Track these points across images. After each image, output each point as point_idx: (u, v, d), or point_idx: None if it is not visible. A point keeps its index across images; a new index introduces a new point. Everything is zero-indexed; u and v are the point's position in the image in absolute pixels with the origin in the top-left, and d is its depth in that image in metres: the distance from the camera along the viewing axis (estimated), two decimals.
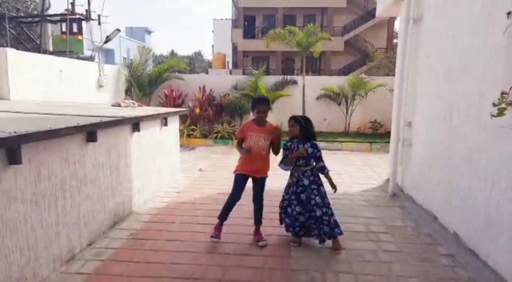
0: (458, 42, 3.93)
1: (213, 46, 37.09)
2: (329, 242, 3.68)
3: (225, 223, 3.82)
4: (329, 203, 3.69)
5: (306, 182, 3.65)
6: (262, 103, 3.73)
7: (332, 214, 3.65)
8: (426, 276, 3.17)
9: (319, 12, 27.89)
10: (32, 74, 6.98)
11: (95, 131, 3.61)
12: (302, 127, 3.65)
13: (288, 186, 3.80)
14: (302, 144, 3.64)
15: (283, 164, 3.74)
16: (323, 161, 3.73)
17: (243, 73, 18.27)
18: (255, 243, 3.75)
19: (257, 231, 3.85)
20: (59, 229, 3.15)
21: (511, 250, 2.83)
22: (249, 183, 3.85)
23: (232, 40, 29.77)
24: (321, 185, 3.71)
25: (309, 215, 3.65)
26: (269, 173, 3.87)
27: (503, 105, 2.59)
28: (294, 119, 3.69)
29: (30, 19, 16.82)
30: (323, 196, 3.66)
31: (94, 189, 3.73)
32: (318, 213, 3.60)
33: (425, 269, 3.29)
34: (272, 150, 3.80)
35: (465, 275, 3.18)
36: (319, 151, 3.70)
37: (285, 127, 3.88)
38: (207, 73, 24.64)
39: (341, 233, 3.66)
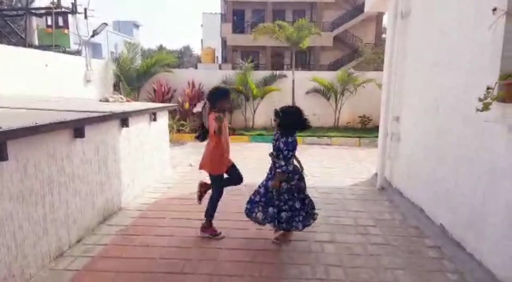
0: (445, 37, 3.97)
1: (202, 40, 36.70)
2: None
3: (215, 217, 3.81)
4: (288, 199, 3.53)
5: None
6: None
7: (286, 210, 3.52)
8: (413, 268, 3.22)
9: (308, 7, 27.85)
10: (17, 69, 6.84)
11: (82, 127, 3.56)
12: (281, 120, 3.49)
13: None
14: (280, 137, 3.46)
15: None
16: (285, 163, 3.40)
17: (233, 68, 18.19)
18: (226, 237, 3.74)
19: (207, 225, 3.79)
20: (47, 226, 3.12)
21: (496, 242, 2.90)
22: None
23: (221, 35, 29.57)
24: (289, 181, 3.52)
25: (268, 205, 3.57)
26: (262, 167, 3.78)
27: (488, 100, 2.64)
28: (274, 111, 3.52)
29: (15, 12, 16.47)
30: (284, 191, 3.51)
31: (83, 185, 3.69)
32: (275, 209, 3.54)
33: (412, 261, 3.35)
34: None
35: (451, 267, 3.25)
36: (287, 150, 3.38)
37: None
38: (196, 68, 24.42)
39: (286, 229, 3.61)
